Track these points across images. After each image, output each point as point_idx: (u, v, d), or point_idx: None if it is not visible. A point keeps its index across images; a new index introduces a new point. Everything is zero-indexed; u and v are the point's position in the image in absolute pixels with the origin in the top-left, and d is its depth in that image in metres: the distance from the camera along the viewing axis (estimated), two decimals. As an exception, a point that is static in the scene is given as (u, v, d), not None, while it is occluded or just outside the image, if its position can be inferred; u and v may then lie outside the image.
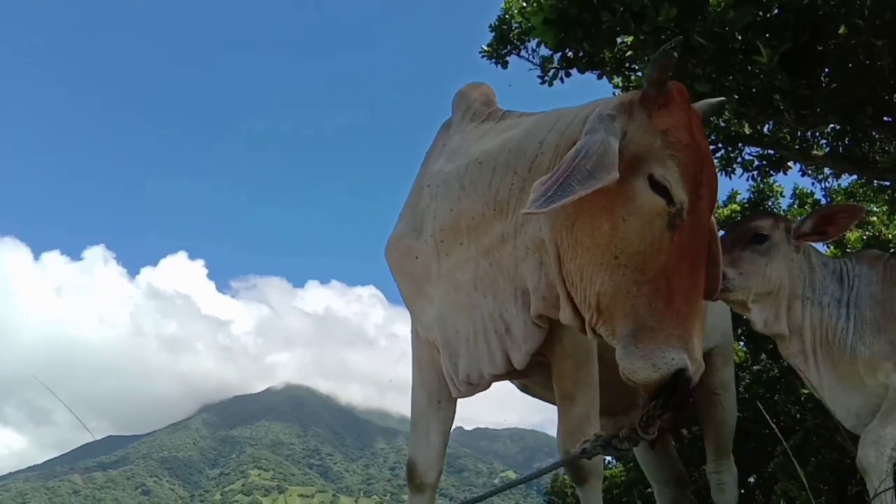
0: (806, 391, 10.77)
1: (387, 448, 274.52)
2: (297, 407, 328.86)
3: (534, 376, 3.05)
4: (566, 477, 9.21)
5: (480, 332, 2.60)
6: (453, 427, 3.13)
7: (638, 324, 2.02)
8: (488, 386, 2.73)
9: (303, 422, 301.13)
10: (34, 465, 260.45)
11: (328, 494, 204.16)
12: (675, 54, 2.05)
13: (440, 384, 2.90)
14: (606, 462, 8.06)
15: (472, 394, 2.75)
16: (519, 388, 3.46)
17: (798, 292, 2.96)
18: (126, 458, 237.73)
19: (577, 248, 2.16)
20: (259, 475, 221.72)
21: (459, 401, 3.02)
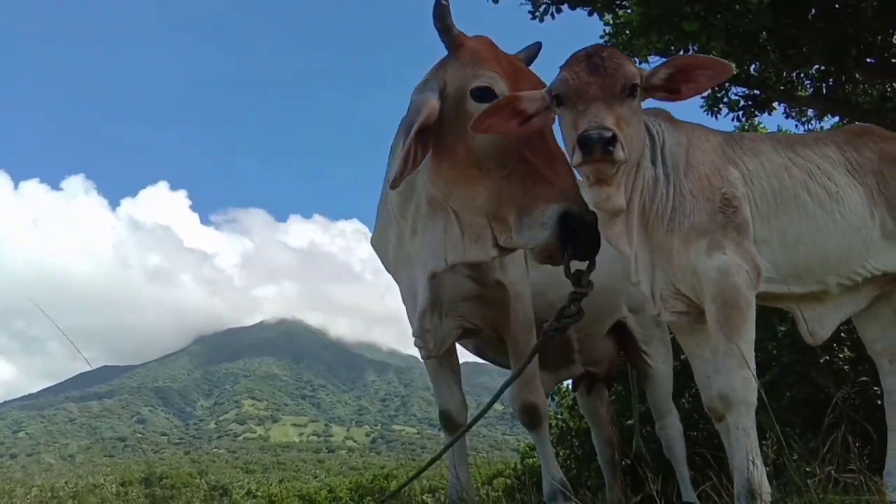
0: (783, 328, 11.00)
1: (378, 381, 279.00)
2: (290, 340, 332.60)
3: (487, 344, 3.55)
4: (550, 409, 9.65)
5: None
6: None
7: (519, 208, 2.37)
8: (448, 337, 3.16)
9: (295, 354, 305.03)
10: (29, 394, 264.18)
11: (321, 424, 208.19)
12: (445, 2, 2.51)
13: None
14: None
15: (435, 353, 3.13)
16: (474, 352, 3.81)
17: (638, 159, 2.35)
18: (121, 388, 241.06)
19: (452, 187, 2.55)
20: (253, 405, 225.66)
21: None
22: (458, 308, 3.08)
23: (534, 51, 2.85)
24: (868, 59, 6.32)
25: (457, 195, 2.56)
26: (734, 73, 2.31)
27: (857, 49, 6.15)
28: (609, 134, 2.05)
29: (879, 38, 6.26)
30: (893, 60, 6.37)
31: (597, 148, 2.04)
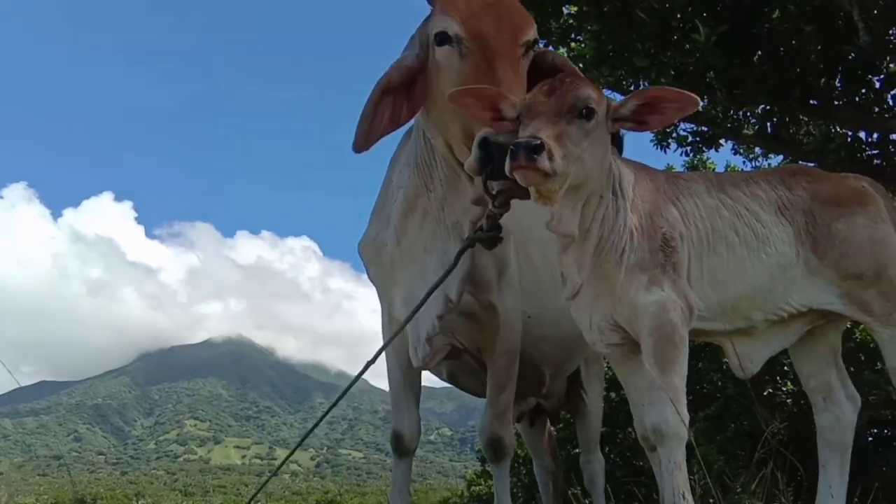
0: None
1: (325, 403, 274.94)
2: (236, 359, 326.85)
3: (463, 369, 3.48)
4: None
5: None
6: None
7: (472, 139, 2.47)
8: (439, 352, 3.10)
9: (241, 374, 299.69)
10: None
11: (264, 447, 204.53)
12: None
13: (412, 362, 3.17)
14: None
15: (428, 362, 3.06)
16: (446, 379, 3.70)
17: (599, 188, 2.38)
18: (58, 405, 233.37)
19: (448, 132, 2.65)
20: (195, 426, 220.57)
21: None
22: (451, 323, 3.03)
23: None
24: (811, 101, 6.53)
25: (451, 137, 2.66)
26: (699, 106, 2.35)
27: (800, 91, 6.35)
28: (536, 142, 2.09)
29: (822, 80, 6.48)
30: (835, 103, 6.59)
31: (521, 154, 2.08)
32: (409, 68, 2.66)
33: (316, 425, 3.18)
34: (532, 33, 2.62)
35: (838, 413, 2.84)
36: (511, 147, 2.12)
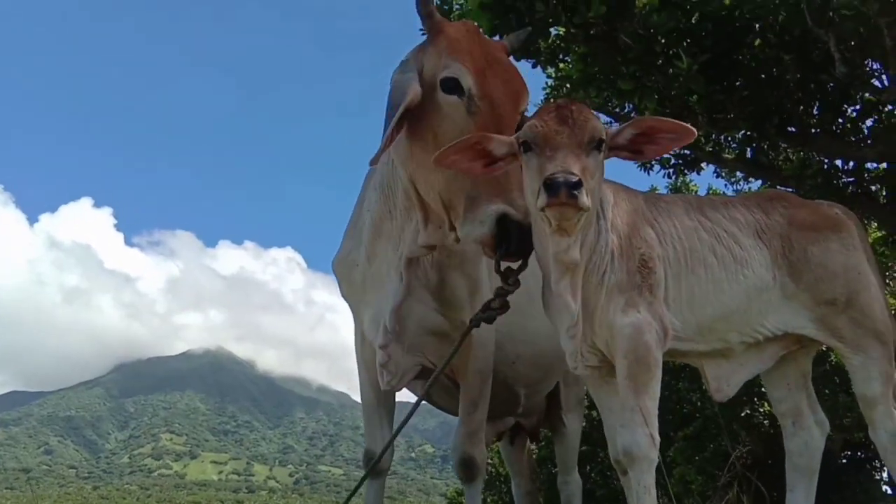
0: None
1: (306, 418, 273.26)
2: (215, 371, 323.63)
3: (437, 388, 3.49)
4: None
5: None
6: None
7: (468, 200, 2.48)
8: (408, 372, 3.09)
9: (220, 387, 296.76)
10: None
11: (242, 462, 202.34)
12: None
13: None
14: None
15: (395, 385, 3.06)
16: (422, 395, 3.75)
17: (595, 214, 2.38)
18: (29, 416, 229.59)
19: (419, 170, 2.63)
20: (171, 440, 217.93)
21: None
22: (421, 343, 3.04)
23: (522, 36, 3.05)
24: (789, 128, 6.68)
25: (421, 177, 2.63)
26: (695, 138, 2.36)
27: (779, 118, 6.50)
28: (575, 178, 2.09)
29: (800, 108, 6.63)
30: (812, 131, 6.75)
31: (563, 191, 2.06)
32: (419, 93, 2.57)
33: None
34: (528, 102, 2.67)
35: (807, 438, 2.87)
36: (547, 182, 2.09)
